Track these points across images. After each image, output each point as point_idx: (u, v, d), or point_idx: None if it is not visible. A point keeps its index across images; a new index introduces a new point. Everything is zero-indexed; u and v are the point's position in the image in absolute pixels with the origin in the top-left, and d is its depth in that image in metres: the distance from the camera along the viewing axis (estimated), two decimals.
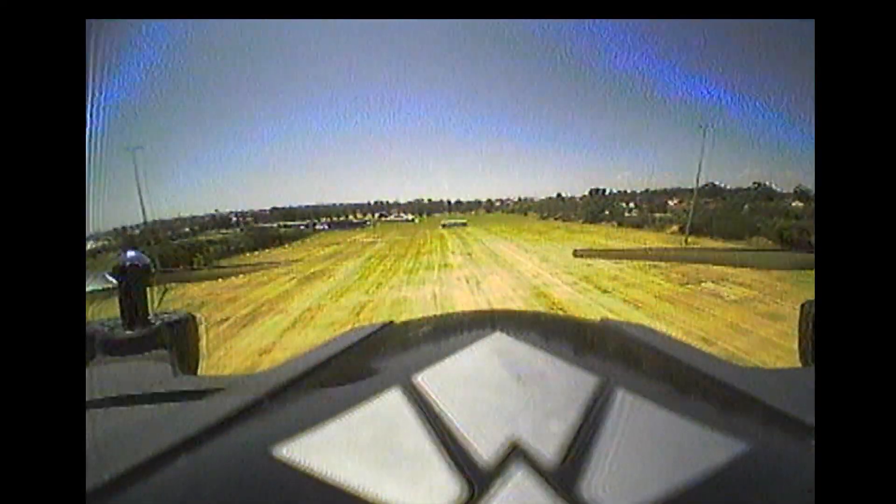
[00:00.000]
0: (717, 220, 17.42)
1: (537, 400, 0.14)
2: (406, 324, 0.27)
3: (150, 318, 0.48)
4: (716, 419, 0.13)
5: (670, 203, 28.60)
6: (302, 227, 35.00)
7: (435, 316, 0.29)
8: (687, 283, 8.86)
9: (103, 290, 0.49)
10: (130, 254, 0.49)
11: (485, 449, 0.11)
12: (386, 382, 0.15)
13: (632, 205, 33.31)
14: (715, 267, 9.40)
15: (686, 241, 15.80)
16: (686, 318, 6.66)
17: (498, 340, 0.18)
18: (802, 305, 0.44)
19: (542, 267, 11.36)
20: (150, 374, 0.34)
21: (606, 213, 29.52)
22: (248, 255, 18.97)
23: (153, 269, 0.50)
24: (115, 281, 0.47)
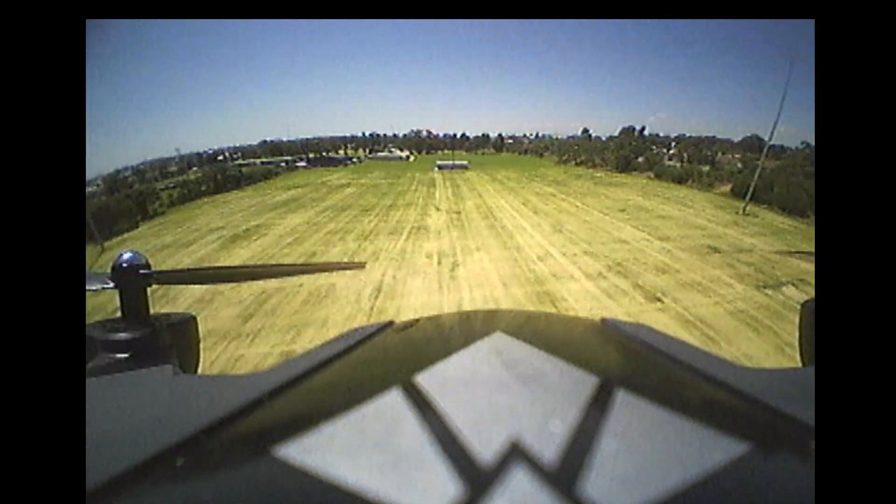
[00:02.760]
0: (779, 188, 13.02)
1: (537, 400, 0.14)
2: (406, 324, 0.27)
3: (150, 318, 0.47)
4: (716, 419, 0.13)
5: (720, 156, 23.14)
6: (283, 164, 31.12)
7: (435, 316, 0.29)
8: (764, 287, 5.64)
9: (103, 289, 0.46)
10: (128, 255, 0.48)
11: (485, 449, 0.11)
12: (386, 382, 0.15)
13: (672, 152, 27.45)
14: (791, 259, 6.15)
15: (745, 209, 11.96)
16: (780, 362, 3.75)
17: (498, 340, 0.18)
18: (803, 305, 0.43)
19: (554, 241, 7.93)
20: (150, 374, 0.33)
21: (641, 160, 24.14)
22: (205, 199, 16.08)
23: (151, 270, 0.49)
24: (115, 282, 0.46)
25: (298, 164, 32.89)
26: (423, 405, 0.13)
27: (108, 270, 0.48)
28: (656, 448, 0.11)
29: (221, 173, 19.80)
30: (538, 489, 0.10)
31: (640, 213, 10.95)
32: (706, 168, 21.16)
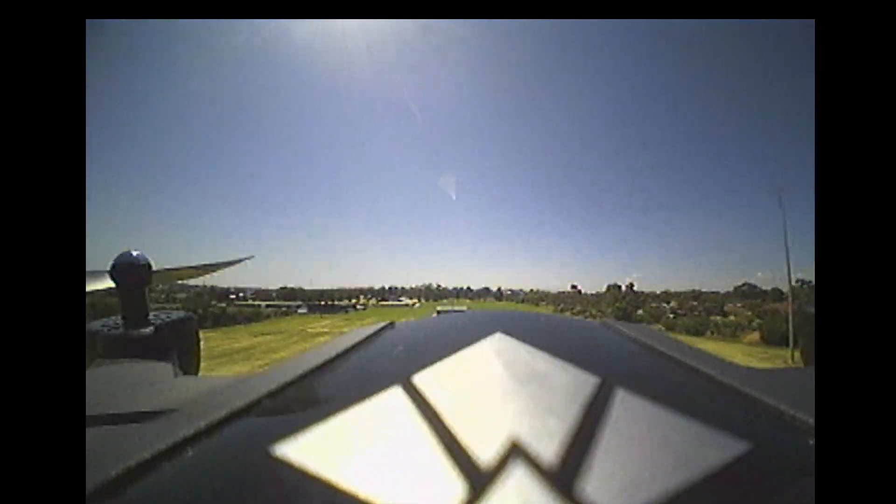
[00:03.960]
0: (803, 335, 11.55)
1: (537, 400, 0.14)
2: (406, 324, 0.27)
3: (150, 318, 0.48)
4: (716, 419, 0.13)
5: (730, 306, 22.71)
6: (282, 309, 31.48)
7: (435, 316, 0.30)
8: None
9: (103, 290, 0.47)
10: (135, 253, 0.49)
11: (485, 449, 0.11)
12: (386, 382, 0.15)
13: (671, 304, 27.05)
14: None
15: (792, 356, 10.42)
16: None
17: (498, 340, 0.19)
18: (801, 305, 0.44)
19: None
20: (150, 374, 0.34)
21: (640, 313, 23.31)
22: None
23: (152, 268, 0.50)
24: (115, 281, 0.47)
25: (299, 310, 33.12)
26: (422, 405, 0.14)
27: (109, 269, 0.48)
28: (656, 448, 0.11)
29: (204, 309, 19.88)
30: (538, 489, 0.10)
31: None
32: (718, 318, 20.15)
